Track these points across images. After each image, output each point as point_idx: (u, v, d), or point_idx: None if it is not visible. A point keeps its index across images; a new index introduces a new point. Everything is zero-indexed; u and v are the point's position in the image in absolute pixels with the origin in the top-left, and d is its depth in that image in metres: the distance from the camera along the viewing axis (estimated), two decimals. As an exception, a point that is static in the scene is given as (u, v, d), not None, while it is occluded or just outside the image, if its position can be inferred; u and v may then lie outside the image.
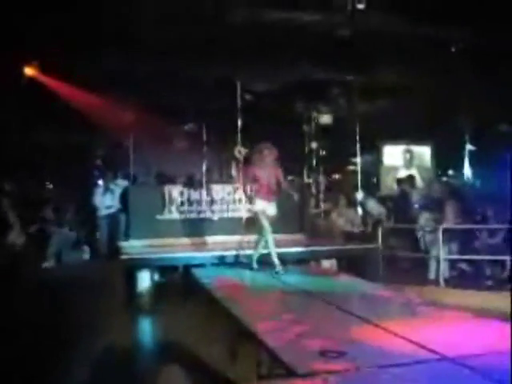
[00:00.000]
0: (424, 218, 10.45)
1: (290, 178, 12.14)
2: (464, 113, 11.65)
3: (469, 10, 8.61)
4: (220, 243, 9.85)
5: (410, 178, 12.45)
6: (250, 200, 8.14)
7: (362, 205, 11.76)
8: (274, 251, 7.69)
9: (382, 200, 12.79)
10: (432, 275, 9.45)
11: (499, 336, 4.08)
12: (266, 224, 7.65)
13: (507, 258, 8.43)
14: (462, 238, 9.56)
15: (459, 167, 12.39)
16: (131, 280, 8.22)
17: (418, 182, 13.12)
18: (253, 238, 10.05)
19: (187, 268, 8.29)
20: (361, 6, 8.46)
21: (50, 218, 11.48)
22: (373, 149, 14.41)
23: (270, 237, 7.69)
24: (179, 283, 8.55)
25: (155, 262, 8.45)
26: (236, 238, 9.89)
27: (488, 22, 9.00)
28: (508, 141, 11.47)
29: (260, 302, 5.57)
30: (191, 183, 11.03)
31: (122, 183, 11.56)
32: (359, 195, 12.03)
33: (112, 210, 11.34)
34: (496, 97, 11.00)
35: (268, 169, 7.77)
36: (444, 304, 5.66)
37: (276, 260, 7.63)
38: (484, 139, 11.98)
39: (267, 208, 7.73)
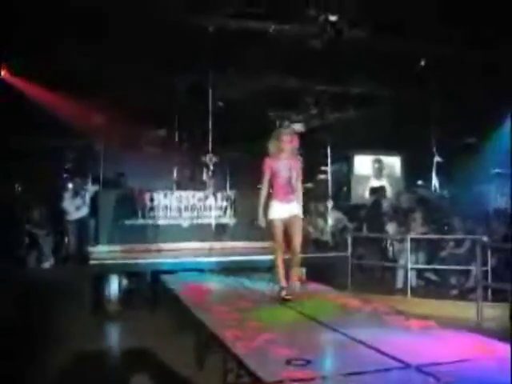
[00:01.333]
0: (392, 228, 10.59)
1: (259, 185, 12.17)
2: (433, 125, 11.86)
3: (437, 25, 8.81)
4: (190, 249, 9.83)
5: (382, 188, 12.65)
6: (267, 204, 6.10)
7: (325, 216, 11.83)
8: (281, 270, 6.09)
9: (353, 209, 12.92)
10: (400, 284, 9.57)
11: (464, 344, 4.16)
12: (278, 238, 6.00)
13: (472, 267, 8.56)
14: (429, 248, 9.71)
15: (428, 178, 12.58)
16: (99, 285, 8.16)
17: (388, 191, 13.30)
18: (223, 244, 10.20)
19: (156, 274, 8.26)
20: (333, 18, 8.58)
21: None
22: (344, 158, 14.56)
23: (280, 252, 6.06)
24: (148, 289, 8.51)
25: (124, 267, 8.41)
26: (206, 244, 9.92)
27: (456, 36, 9.22)
28: (474, 153, 11.72)
29: (228, 309, 5.57)
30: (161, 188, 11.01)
31: (92, 188, 11.47)
32: (329, 204, 12.11)
33: (81, 215, 11.24)
34: (464, 110, 11.23)
35: (288, 161, 6.07)
36: (410, 313, 5.72)
37: (282, 282, 6.07)
38: (452, 151, 12.20)
39: (286, 210, 6.00)
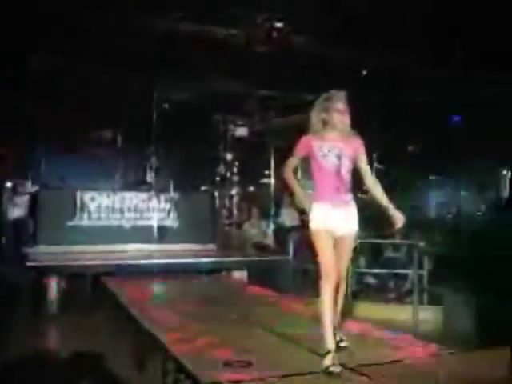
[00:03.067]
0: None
1: (203, 188, 12.22)
2: (374, 132, 12.12)
3: (379, 35, 9.05)
4: (131, 251, 9.74)
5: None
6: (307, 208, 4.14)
7: (276, 216, 11.88)
8: (329, 322, 4.01)
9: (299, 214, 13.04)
10: (341, 287, 9.68)
11: (398, 346, 4.30)
12: (329, 262, 4.11)
13: (409, 271, 8.78)
14: (368, 252, 9.89)
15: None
16: (37, 287, 7.99)
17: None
18: (166, 247, 10.11)
19: (97, 276, 8.14)
20: (279, 25, 8.71)
21: None
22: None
23: (330, 291, 4.19)
24: (88, 292, 8.38)
25: (63, 269, 8.25)
26: (148, 246, 9.84)
27: (398, 45, 9.48)
28: (415, 161, 12.04)
29: (169, 312, 5.57)
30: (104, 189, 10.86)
31: (32, 187, 11.22)
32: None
33: (19, 215, 10.98)
34: (406, 119, 11.54)
35: (338, 143, 4.00)
36: (351, 316, 5.84)
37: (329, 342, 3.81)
38: (393, 159, 12.48)
39: (338, 218, 3.97)
